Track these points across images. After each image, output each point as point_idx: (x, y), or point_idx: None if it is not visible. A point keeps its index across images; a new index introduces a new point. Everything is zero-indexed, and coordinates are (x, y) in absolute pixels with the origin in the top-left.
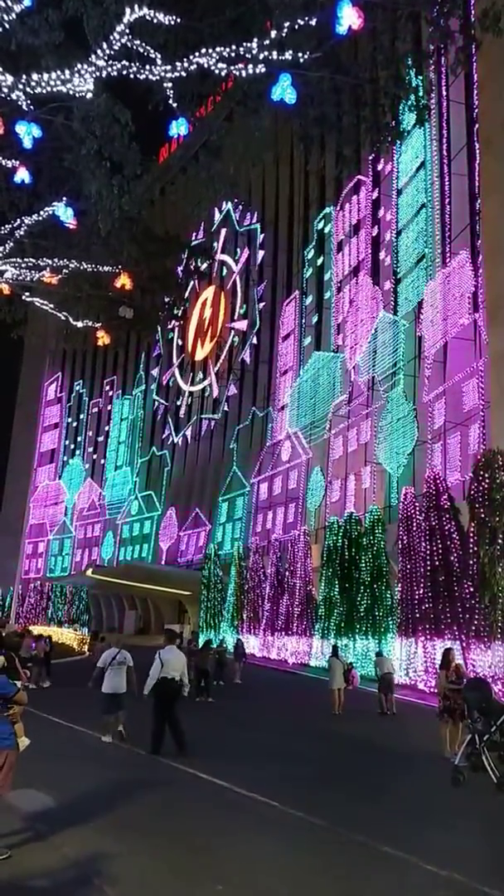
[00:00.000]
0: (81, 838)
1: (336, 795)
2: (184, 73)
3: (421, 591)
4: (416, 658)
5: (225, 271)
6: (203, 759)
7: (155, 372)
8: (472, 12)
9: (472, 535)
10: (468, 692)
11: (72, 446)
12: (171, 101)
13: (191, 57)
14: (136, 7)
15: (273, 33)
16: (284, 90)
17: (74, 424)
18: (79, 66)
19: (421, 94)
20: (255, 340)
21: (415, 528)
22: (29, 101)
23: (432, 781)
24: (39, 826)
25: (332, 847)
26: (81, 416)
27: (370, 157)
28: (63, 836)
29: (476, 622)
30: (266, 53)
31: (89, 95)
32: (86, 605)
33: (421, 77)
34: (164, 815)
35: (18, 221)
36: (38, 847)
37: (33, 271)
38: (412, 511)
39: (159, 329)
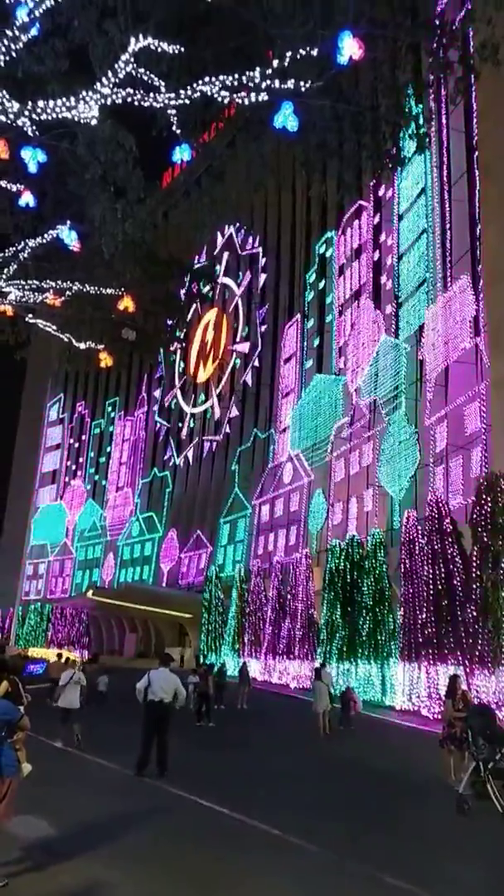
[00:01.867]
0: (79, 866)
1: (337, 822)
2: (187, 101)
3: (423, 616)
4: (418, 683)
5: (227, 294)
6: (203, 784)
7: (157, 393)
8: (471, 43)
9: (474, 558)
10: (472, 719)
11: (73, 467)
12: (174, 128)
13: (194, 85)
14: (140, 37)
15: (275, 62)
16: (286, 118)
17: (76, 445)
18: (84, 93)
19: (421, 122)
20: (256, 363)
21: (417, 552)
22: (34, 127)
23: (436, 809)
24: (36, 853)
25: (333, 875)
26: (83, 437)
27: (371, 183)
28: (61, 864)
29: (479, 647)
30: (268, 82)
31: (94, 122)
32: (86, 627)
33: (421, 106)
34: (162, 842)
35: (23, 244)
36: (36, 876)
37: (37, 293)
38: (414, 534)
39: (161, 351)
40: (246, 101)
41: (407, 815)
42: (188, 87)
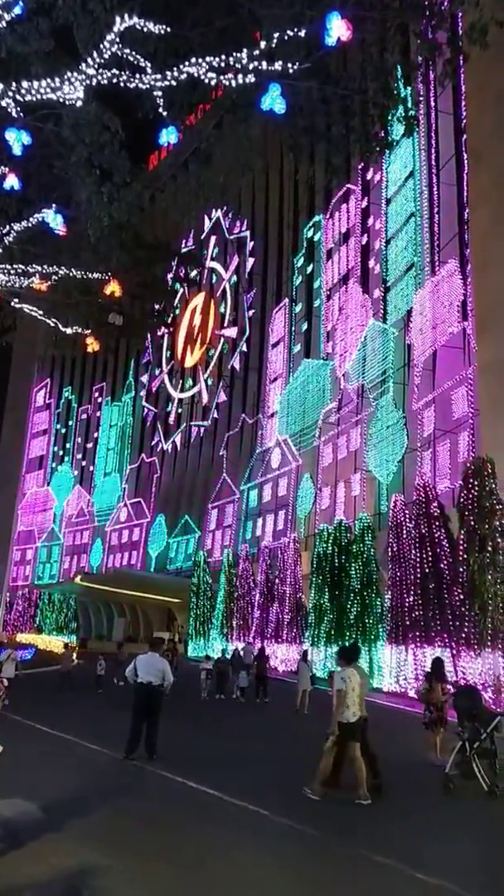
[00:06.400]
0: (68, 848)
1: (325, 803)
2: (174, 82)
3: (411, 599)
4: (405, 666)
5: (215, 278)
6: (192, 767)
7: (144, 378)
8: (460, 25)
9: (461, 542)
10: (459, 700)
11: (60, 453)
12: (160, 110)
13: (181, 66)
14: (126, 16)
15: (262, 44)
16: (274, 100)
17: (63, 431)
18: (69, 73)
19: (409, 104)
20: (244, 348)
21: (404, 536)
22: (19, 108)
23: (423, 789)
24: (25, 836)
25: (322, 855)
26: (70, 423)
27: (359, 167)
28: (49, 846)
29: (466, 630)
30: (255, 63)
31: (79, 103)
32: (74, 613)
33: (409, 88)
34: (153, 825)
35: (8, 227)
36: (25, 858)
37: (22, 278)
38: (402, 518)
39: (149, 336)
40: (233, 83)
41: (394, 795)
42: (174, 69)
